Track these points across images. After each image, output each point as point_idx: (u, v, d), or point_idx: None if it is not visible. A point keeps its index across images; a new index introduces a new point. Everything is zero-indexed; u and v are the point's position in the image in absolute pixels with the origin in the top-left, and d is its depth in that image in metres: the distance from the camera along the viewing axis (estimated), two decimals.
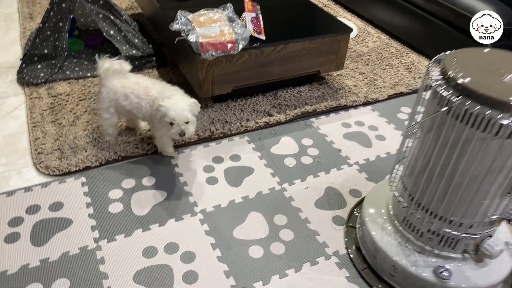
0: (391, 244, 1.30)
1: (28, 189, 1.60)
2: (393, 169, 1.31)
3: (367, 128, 1.99)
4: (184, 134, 1.50)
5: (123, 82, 1.64)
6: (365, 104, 2.15)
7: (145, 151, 1.77)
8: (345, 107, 2.11)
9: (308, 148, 1.85)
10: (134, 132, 1.85)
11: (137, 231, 1.46)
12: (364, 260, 1.40)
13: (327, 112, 2.07)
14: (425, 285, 1.23)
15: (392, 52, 2.58)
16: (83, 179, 1.64)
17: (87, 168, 1.69)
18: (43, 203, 1.54)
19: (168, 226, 1.48)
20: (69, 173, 1.66)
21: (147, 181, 1.65)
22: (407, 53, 2.58)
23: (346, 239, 1.47)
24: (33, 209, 1.52)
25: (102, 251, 1.39)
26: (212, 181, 1.67)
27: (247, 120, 1.96)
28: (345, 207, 1.60)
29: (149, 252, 1.40)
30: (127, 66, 1.66)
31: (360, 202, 1.60)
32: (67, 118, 1.92)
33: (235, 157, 1.79)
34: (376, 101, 2.17)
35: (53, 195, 1.57)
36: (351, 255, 1.42)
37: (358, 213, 1.55)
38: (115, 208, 1.54)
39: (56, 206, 1.53)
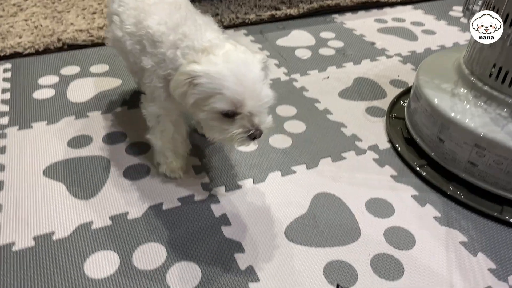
0: (472, 113, 0.76)
1: None
2: None
3: (410, 23, 1.46)
4: (260, 135, 0.66)
5: None
6: (404, 3, 1.61)
7: (101, 40, 1.28)
8: (378, 4, 1.58)
9: (329, 41, 1.33)
10: (91, 20, 1.36)
11: (67, 118, 0.96)
12: (422, 154, 0.86)
13: (354, 8, 1.55)
14: None
15: None
16: (8, 65, 1.16)
17: (17, 54, 1.21)
18: None
19: (117, 113, 0.98)
20: None
21: (97, 68, 1.16)
22: None
23: (389, 133, 0.94)
24: None
25: (6, 139, 0.90)
26: None
27: (246, 13, 1.46)
28: (385, 98, 1.07)
29: (79, 141, 0.89)
30: None
31: (408, 92, 1.07)
32: (7, 10, 1.44)
33: None
34: (419, 0, 1.63)
35: None
36: (399, 149, 0.88)
37: (405, 103, 1.02)
38: (43, 94, 1.05)
39: None
